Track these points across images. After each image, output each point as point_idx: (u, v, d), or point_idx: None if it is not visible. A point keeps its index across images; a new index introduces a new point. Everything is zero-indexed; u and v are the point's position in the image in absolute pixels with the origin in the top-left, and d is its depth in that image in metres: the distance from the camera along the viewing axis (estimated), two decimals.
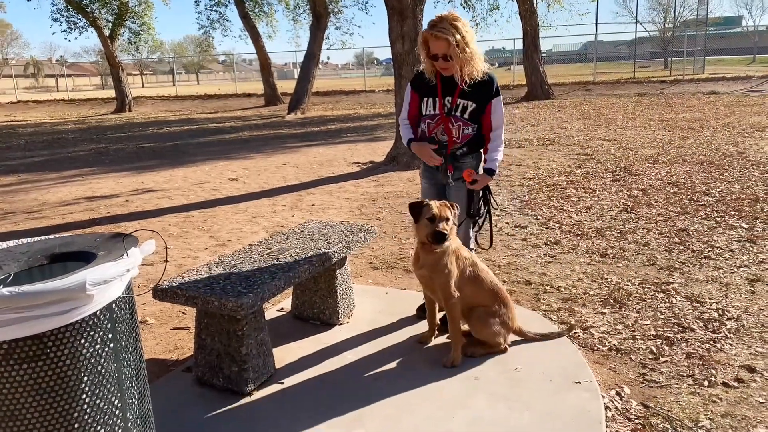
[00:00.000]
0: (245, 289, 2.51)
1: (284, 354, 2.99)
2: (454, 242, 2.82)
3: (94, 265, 1.56)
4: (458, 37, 2.72)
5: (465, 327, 2.94)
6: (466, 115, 2.93)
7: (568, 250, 4.53)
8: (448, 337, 3.03)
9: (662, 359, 2.82)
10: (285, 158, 10.14)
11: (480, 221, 3.12)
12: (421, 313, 3.26)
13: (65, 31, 24.92)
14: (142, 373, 1.79)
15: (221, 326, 2.60)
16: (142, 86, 53.21)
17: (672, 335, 3.05)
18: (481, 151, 3.06)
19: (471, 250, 3.07)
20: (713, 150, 8.58)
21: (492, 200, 3.10)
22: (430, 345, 3.03)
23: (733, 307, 3.35)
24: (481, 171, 3.03)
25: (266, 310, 3.54)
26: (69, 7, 23.43)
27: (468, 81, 2.88)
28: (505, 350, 2.89)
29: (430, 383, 2.66)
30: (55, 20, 24.41)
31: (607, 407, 2.45)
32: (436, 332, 3.08)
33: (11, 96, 33.99)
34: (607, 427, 2.32)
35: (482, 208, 3.09)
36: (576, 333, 3.12)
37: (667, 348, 2.93)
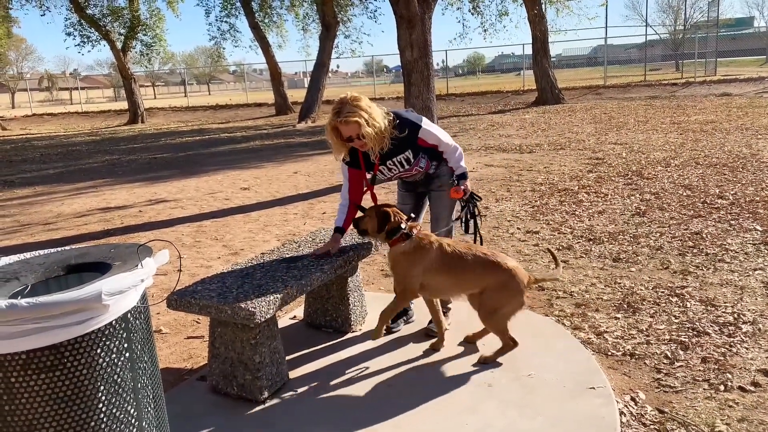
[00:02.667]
0: (258, 297, 2.53)
1: (297, 362, 3.01)
2: (409, 243, 2.84)
3: (110, 276, 1.59)
4: (366, 115, 2.75)
5: (481, 327, 2.96)
6: (413, 161, 3.02)
7: (580, 255, 4.51)
8: (460, 344, 3.04)
9: (677, 364, 2.80)
10: (296, 167, 10.20)
11: (475, 220, 3.14)
12: (430, 330, 3.25)
13: (78, 45, 25.18)
14: (157, 381, 1.81)
15: (235, 335, 2.62)
16: (155, 97, 53.82)
17: (687, 339, 3.02)
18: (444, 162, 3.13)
19: None
20: (726, 152, 8.50)
21: (474, 197, 3.15)
22: (442, 351, 3.03)
23: (749, 310, 3.32)
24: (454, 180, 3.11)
25: (279, 319, 3.56)
26: (82, 21, 23.79)
27: (379, 153, 2.94)
28: (515, 344, 2.86)
29: (442, 390, 2.66)
30: (69, 34, 24.77)
31: (621, 413, 2.43)
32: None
33: (26, 109, 34.50)
34: None
35: (472, 208, 3.12)
36: (590, 339, 3.11)
37: (681, 352, 2.90)
